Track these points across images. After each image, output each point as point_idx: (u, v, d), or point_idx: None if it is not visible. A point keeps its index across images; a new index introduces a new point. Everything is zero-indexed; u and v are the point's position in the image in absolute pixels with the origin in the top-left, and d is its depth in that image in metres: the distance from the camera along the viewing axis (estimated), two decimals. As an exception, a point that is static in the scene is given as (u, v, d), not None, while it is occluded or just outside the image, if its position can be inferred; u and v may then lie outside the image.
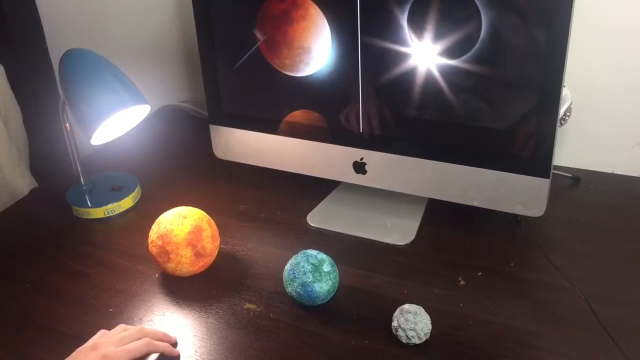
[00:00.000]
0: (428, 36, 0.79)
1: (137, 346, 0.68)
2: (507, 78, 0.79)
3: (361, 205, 1.00)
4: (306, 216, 0.98)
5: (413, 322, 0.70)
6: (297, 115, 0.95)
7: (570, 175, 1.05)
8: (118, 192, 1.03)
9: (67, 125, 0.98)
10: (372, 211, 0.99)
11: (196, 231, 0.81)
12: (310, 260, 0.76)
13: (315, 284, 0.75)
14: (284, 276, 0.78)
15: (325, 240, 0.92)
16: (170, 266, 0.82)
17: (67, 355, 0.67)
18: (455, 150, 0.85)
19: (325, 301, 0.78)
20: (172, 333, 0.75)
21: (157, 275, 0.86)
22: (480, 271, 0.84)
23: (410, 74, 0.82)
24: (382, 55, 0.83)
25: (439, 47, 0.79)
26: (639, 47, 0.98)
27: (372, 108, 0.89)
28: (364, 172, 0.93)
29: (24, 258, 0.92)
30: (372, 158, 0.92)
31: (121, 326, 0.73)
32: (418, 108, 0.85)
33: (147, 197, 1.07)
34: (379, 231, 0.93)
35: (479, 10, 0.75)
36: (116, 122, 0.93)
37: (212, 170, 1.12)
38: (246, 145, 1.02)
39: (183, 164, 1.19)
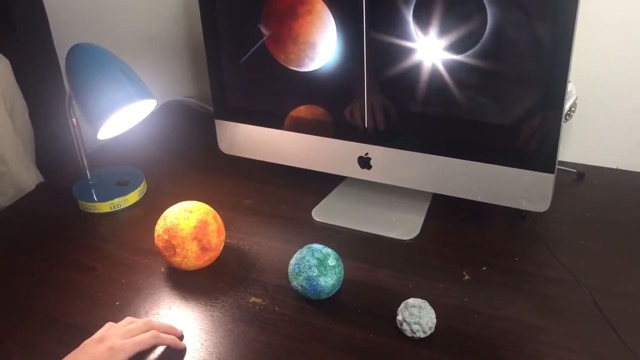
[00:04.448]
0: (433, 31, 0.79)
1: (144, 338, 0.69)
2: (512, 73, 0.79)
3: (366, 200, 1.00)
4: (311, 211, 0.99)
5: (418, 316, 0.71)
6: (302, 110, 0.95)
7: (575, 171, 1.05)
8: (124, 187, 1.04)
9: (74, 119, 0.99)
10: (377, 206, 0.99)
11: (202, 225, 0.82)
12: (316, 254, 0.77)
13: (320, 278, 0.75)
14: (289, 270, 0.79)
15: (330, 235, 0.93)
16: (176, 260, 0.82)
17: (75, 347, 0.67)
18: (460, 145, 0.85)
19: (330, 295, 0.78)
20: (178, 326, 0.76)
21: (163, 269, 0.87)
22: (484, 266, 0.84)
23: (416, 69, 0.83)
24: (387, 50, 0.84)
25: (444, 42, 0.79)
26: (644, 42, 0.98)
27: (377, 103, 0.89)
28: (368, 167, 0.94)
29: (31, 252, 0.93)
30: (377, 153, 0.92)
31: (128, 319, 0.74)
32: (423, 103, 0.85)
33: (152, 191, 1.07)
34: (384, 226, 0.94)
35: (484, 6, 0.75)
36: (122, 117, 0.93)
37: (217, 165, 1.13)
38: (251, 140, 1.02)
39: (188, 159, 1.19)
